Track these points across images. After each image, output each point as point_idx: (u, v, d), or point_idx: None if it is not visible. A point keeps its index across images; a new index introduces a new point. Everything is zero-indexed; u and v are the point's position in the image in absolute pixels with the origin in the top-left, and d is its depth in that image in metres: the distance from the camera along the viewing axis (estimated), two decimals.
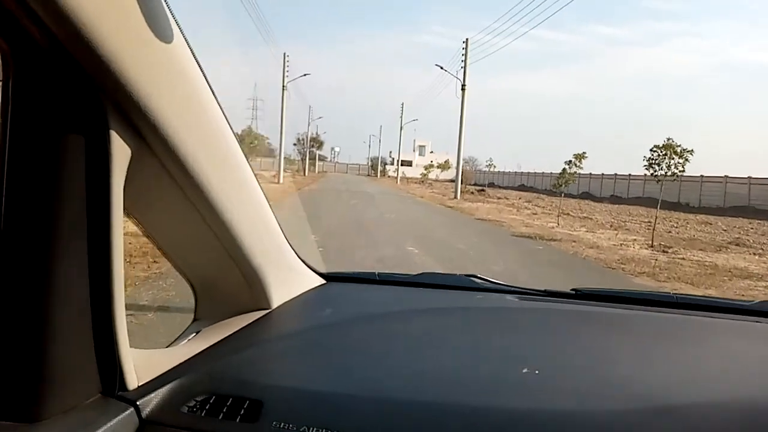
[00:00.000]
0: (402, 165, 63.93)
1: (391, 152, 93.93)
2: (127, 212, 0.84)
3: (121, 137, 0.71)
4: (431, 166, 48.33)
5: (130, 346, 0.78)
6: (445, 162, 50.29)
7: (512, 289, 1.45)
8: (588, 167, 24.85)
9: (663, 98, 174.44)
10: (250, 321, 1.09)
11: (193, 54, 0.79)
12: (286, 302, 1.20)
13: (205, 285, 1.12)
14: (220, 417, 0.77)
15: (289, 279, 1.25)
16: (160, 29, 0.69)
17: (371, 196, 25.49)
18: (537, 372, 0.90)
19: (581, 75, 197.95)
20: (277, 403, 0.80)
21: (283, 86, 33.77)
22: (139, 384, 0.79)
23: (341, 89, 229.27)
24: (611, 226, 17.00)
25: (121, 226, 0.74)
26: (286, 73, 33.77)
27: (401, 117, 58.07)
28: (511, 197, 33.46)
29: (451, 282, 1.50)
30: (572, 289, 1.43)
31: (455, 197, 28.04)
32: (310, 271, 1.40)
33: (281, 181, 33.92)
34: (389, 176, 77.87)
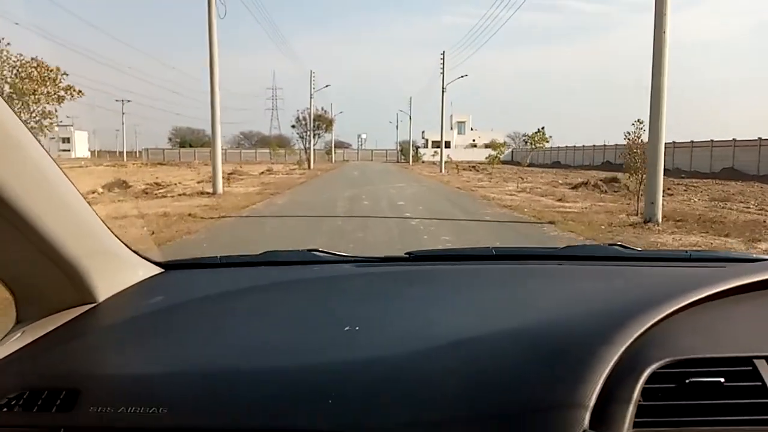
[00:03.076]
0: (437, 147, 44.11)
1: (423, 132, 75.22)
2: None
3: None
4: (501, 144, 29.53)
5: None
6: (536, 134, 31.20)
7: (350, 258, 1.50)
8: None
9: (685, 65, 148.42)
10: (75, 316, 1.07)
11: None
12: (115, 294, 1.18)
13: (21, 284, 1.07)
14: (35, 410, 0.80)
15: (116, 270, 1.22)
16: None
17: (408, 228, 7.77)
18: (357, 328, 0.99)
19: (604, 47, 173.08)
20: (95, 390, 0.82)
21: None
22: None
23: (364, 77, 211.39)
24: None
25: None
26: None
27: (442, 72, 38.03)
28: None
29: (293, 258, 1.53)
30: (406, 253, 1.50)
31: (650, 220, 9.92)
32: (144, 260, 1.36)
33: (219, 190, 16.55)
34: (424, 161, 59.79)
